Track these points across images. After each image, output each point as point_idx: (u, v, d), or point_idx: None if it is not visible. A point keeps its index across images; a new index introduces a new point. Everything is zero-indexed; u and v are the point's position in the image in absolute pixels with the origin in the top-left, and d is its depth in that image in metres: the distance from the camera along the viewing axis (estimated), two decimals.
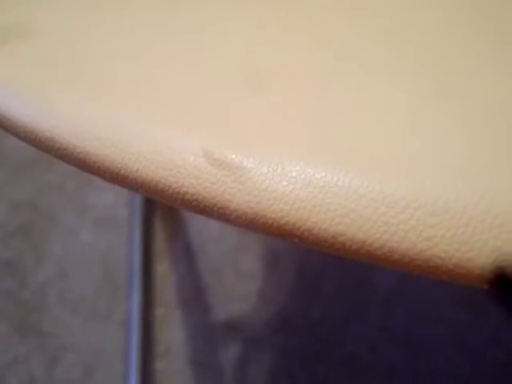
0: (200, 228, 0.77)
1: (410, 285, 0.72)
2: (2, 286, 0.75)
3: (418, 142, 0.15)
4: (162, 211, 0.78)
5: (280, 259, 0.75)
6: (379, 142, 0.16)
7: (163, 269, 0.75)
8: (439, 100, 0.17)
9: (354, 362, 0.69)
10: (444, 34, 0.20)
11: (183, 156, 0.17)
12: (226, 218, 0.16)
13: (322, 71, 0.20)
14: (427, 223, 0.14)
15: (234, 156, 0.16)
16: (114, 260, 0.76)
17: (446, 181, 0.14)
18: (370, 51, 0.20)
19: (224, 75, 0.20)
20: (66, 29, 0.24)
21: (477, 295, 0.68)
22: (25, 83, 0.22)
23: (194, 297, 0.74)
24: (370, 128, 0.16)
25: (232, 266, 0.75)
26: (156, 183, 0.17)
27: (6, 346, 0.71)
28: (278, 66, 0.20)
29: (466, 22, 0.20)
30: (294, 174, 0.15)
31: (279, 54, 0.21)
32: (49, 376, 0.70)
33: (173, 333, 0.72)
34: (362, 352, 0.69)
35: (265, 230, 0.15)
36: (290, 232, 0.15)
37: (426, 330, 0.70)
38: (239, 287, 0.74)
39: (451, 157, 0.15)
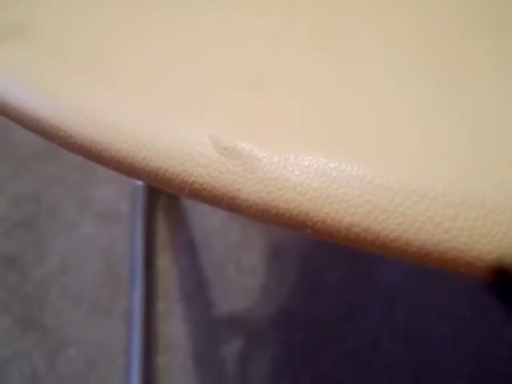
0: (202, 222, 0.77)
1: (413, 280, 0.71)
2: (3, 279, 0.75)
3: (435, 131, 0.15)
4: (164, 205, 0.78)
5: (282, 254, 0.75)
6: (394, 130, 0.15)
7: (165, 263, 0.75)
8: (453, 91, 0.17)
9: (357, 358, 0.69)
10: (446, 30, 0.20)
11: (191, 144, 0.16)
12: (235, 208, 0.15)
13: (331, 63, 0.19)
14: (445, 214, 0.13)
15: (244, 144, 0.15)
16: (116, 254, 0.76)
17: (464, 171, 0.14)
18: (372, 47, 0.19)
19: (233, 64, 0.19)
20: (66, 26, 0.24)
21: (480, 291, 0.68)
22: (29, 72, 0.21)
23: (196, 291, 0.74)
24: (386, 116, 0.16)
25: (234, 261, 0.75)
26: (164, 172, 0.16)
27: (8, 339, 0.71)
28: (288, 57, 0.19)
29: (467, 16, 0.20)
30: (306, 163, 0.15)
31: (286, 46, 0.20)
32: (51, 370, 0.70)
33: (175, 327, 0.72)
34: (364, 347, 0.69)
35: (276, 221, 0.15)
36: (302, 223, 0.14)
37: (429, 325, 0.69)
38: (241, 282, 0.73)
39: (469, 146, 0.14)
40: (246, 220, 0.71)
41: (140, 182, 0.71)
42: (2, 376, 0.70)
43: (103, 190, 0.79)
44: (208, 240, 0.76)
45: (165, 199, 0.78)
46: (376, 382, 0.67)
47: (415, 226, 0.13)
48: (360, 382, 0.68)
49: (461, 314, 0.69)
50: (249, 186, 0.15)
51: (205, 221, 0.76)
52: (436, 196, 0.14)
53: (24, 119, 0.19)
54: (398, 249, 0.14)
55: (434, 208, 0.13)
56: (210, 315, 0.72)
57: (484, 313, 0.69)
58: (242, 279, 0.73)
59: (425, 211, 0.14)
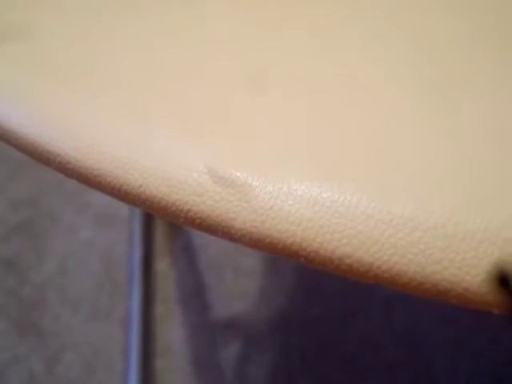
0: None
1: None
2: (2, 283, 0.75)
3: (428, 162, 0.15)
4: None
5: (280, 257, 0.75)
6: (387, 160, 0.15)
7: (163, 267, 0.75)
8: (449, 117, 0.17)
9: (355, 361, 0.69)
10: (448, 32, 0.19)
11: (187, 173, 0.16)
12: (230, 236, 0.15)
13: (329, 82, 0.19)
14: (436, 246, 0.13)
15: (238, 174, 0.16)
16: (115, 258, 0.76)
17: (455, 202, 0.14)
18: (373, 50, 0.19)
19: (228, 87, 0.19)
20: (65, 30, 0.24)
21: None
22: (24, 90, 0.21)
23: (195, 295, 0.74)
24: (379, 146, 0.16)
25: (232, 264, 0.75)
26: (159, 200, 0.16)
27: (6, 344, 0.71)
28: (281, 76, 0.19)
29: (470, 19, 0.20)
30: (299, 193, 0.15)
31: (281, 62, 0.20)
32: (49, 374, 0.70)
33: (173, 331, 0.72)
34: (362, 351, 0.69)
35: (270, 250, 0.15)
36: (295, 252, 0.15)
37: (428, 329, 0.69)
38: (239, 285, 0.73)
39: (461, 178, 0.15)
40: None
41: None
42: (0, 380, 0.70)
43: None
44: (206, 244, 0.76)
45: None
46: None
47: (407, 258, 0.14)
48: None
49: (460, 318, 0.69)
50: (243, 216, 0.15)
51: None
52: (428, 228, 0.14)
53: (19, 143, 0.19)
54: (389, 280, 0.14)
55: (425, 240, 0.14)
56: (209, 319, 0.72)
57: (482, 317, 0.69)
58: (240, 283, 0.73)
59: (416, 243, 0.14)
